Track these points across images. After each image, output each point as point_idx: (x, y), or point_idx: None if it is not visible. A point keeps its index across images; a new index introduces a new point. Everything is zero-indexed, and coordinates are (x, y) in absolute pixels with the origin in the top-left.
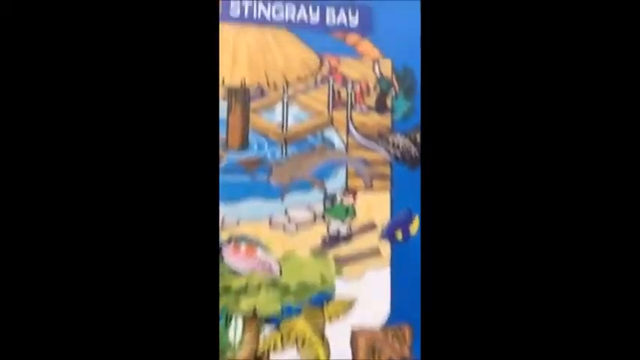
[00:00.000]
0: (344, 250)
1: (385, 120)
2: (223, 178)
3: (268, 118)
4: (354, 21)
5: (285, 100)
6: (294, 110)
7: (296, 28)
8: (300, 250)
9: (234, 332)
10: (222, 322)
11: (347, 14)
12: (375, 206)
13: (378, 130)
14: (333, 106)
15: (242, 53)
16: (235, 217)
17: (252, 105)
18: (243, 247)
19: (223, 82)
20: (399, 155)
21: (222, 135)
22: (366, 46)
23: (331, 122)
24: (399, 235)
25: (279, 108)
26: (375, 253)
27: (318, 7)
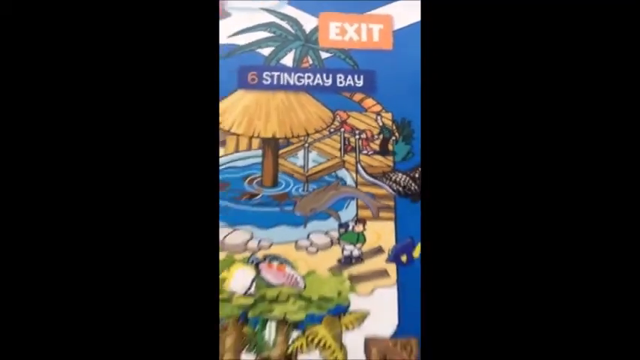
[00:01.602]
0: (356, 269)
1: (388, 161)
2: (259, 209)
3: (293, 162)
4: (360, 82)
5: (306, 147)
6: (313, 155)
7: (313, 90)
8: (320, 268)
9: (268, 334)
10: (258, 326)
11: (353, 78)
12: (382, 233)
13: (382, 170)
14: (345, 151)
15: (272, 112)
16: (269, 240)
17: (281, 152)
18: (275, 264)
19: (259, 135)
20: (400, 190)
21: (258, 175)
22: (370, 102)
23: (343, 164)
24: (404, 259)
25: (301, 154)
26: (384, 273)
27: (330, 74)
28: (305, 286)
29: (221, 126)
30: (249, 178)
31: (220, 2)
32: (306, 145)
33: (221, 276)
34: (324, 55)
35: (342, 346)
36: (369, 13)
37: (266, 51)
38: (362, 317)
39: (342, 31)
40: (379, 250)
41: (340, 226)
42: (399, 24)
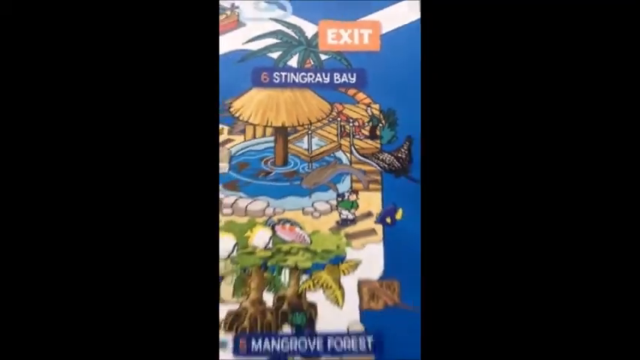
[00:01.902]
0: (351, 229)
1: (376, 144)
2: (273, 184)
3: (299, 146)
4: (353, 79)
5: (310, 134)
6: (315, 140)
7: (314, 87)
8: (323, 228)
9: (283, 278)
10: (275, 272)
11: (347, 76)
12: (371, 201)
13: (371, 151)
14: (341, 136)
15: (282, 106)
16: (282, 208)
17: (289, 138)
18: (287, 225)
19: (271, 124)
20: (386, 167)
21: (271, 157)
22: (361, 96)
23: (340, 147)
24: (388, 221)
25: (305, 139)
26: (372, 232)
27: (328, 73)
28: (311, 242)
29: (241, 117)
30: (264, 159)
31: (235, 14)
32: (310, 132)
33: (245, 235)
34: (323, 57)
35: (340, 287)
36: (360, 19)
37: (275, 55)
38: (355, 265)
39: (338, 36)
40: (369, 214)
41: (338, 195)
42: (385, 28)
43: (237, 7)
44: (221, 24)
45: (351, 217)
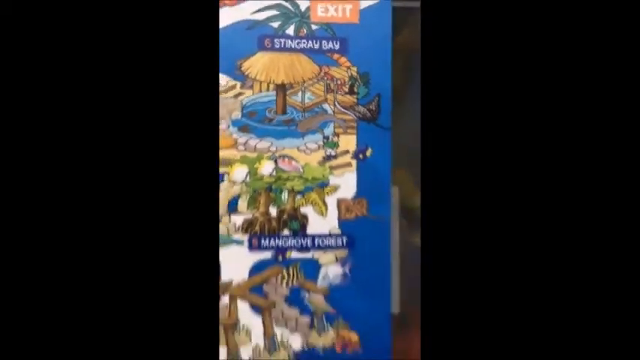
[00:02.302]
0: (333, 163)
1: (353, 98)
2: (275, 128)
3: (295, 99)
4: (337, 46)
5: (303, 90)
6: (307, 94)
7: (307, 52)
8: (312, 162)
9: (284, 197)
10: (277, 193)
11: (333, 43)
12: (348, 142)
13: (349, 104)
14: (326, 92)
15: (281, 67)
16: (282, 146)
17: (288, 93)
18: (286, 159)
19: (273, 81)
20: (361, 117)
21: (274, 107)
22: (343, 60)
23: (326, 100)
24: (361, 156)
25: (300, 94)
26: (349, 165)
27: (318, 40)
28: (303, 171)
29: (249, 75)
30: (268, 109)
31: None
32: (303, 88)
33: (255, 166)
34: (313, 27)
35: (324, 203)
36: None
37: (275, 24)
38: (335, 188)
39: (326, 10)
40: (347, 152)
41: (324, 137)
42: (363, 5)
43: None
44: None
45: (333, 153)
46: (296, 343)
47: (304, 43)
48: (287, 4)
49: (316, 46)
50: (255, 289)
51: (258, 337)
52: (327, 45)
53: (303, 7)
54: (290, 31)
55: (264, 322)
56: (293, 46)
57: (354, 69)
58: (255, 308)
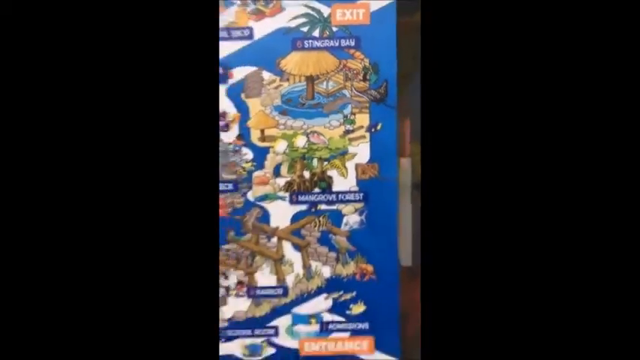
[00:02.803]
0: (351, 135)
1: (366, 84)
2: (306, 110)
3: (321, 87)
4: (352, 43)
5: (327, 80)
6: (330, 83)
7: (330, 49)
8: (335, 135)
9: (314, 163)
10: (309, 160)
11: (349, 41)
12: (363, 119)
13: (363, 89)
14: (345, 80)
15: (310, 62)
16: (312, 124)
17: (315, 82)
18: (315, 134)
19: (304, 74)
20: (372, 99)
21: (305, 94)
22: (358, 54)
23: (345, 87)
24: (373, 130)
25: (324, 83)
26: (364, 137)
27: (337, 39)
28: (328, 143)
29: (286, 70)
30: (300, 96)
31: (279, 2)
32: (327, 78)
33: (292, 140)
34: (334, 29)
35: (345, 168)
36: (357, 2)
37: (305, 28)
38: (353, 156)
39: (343, 15)
40: (361, 127)
41: (344, 116)
42: (373, 8)
43: None
44: (270, 9)
45: (351, 128)
46: (326, 272)
47: (327, 42)
48: (313, 13)
49: (336, 44)
50: (295, 233)
51: (298, 268)
52: (344, 42)
53: (325, 13)
54: (316, 33)
55: (302, 257)
56: (318, 45)
57: (367, 60)
58: (296, 247)
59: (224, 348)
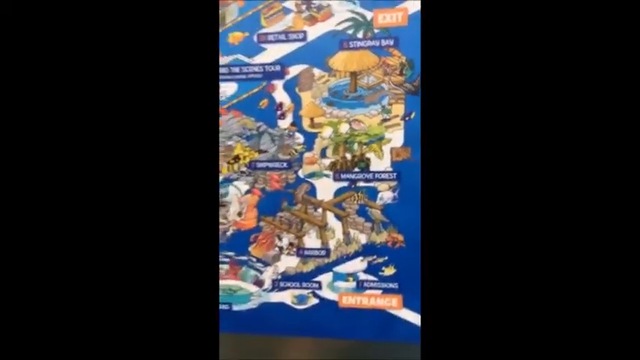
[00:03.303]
0: (388, 123)
1: (402, 78)
2: (350, 102)
3: (362, 81)
4: (391, 42)
5: (368, 75)
6: (371, 78)
7: (371, 49)
8: (373, 123)
9: (355, 147)
10: (351, 144)
11: (388, 40)
12: (398, 109)
13: (399, 82)
14: (384, 75)
15: (354, 60)
16: (354, 113)
17: (358, 77)
18: (356, 122)
19: (348, 70)
20: (407, 91)
21: (349, 88)
22: (396, 52)
23: (383, 81)
24: (407, 119)
25: (366, 77)
26: (398, 124)
27: (378, 40)
28: (367, 130)
29: (334, 68)
30: (345, 89)
31: (330, 8)
32: (368, 74)
33: (337, 126)
34: (375, 30)
35: (382, 151)
36: (396, 7)
37: (350, 31)
38: (389, 141)
39: (384, 18)
40: (397, 116)
41: (382, 106)
42: (410, 11)
43: (329, 5)
44: (322, 15)
45: (387, 117)
46: (362, 239)
47: (369, 42)
48: (358, 17)
49: (377, 44)
50: (337, 205)
51: (339, 234)
52: (384, 42)
53: (368, 17)
54: (360, 35)
55: (342, 225)
56: (362, 45)
57: (403, 57)
58: (337, 217)
59: (277, 296)
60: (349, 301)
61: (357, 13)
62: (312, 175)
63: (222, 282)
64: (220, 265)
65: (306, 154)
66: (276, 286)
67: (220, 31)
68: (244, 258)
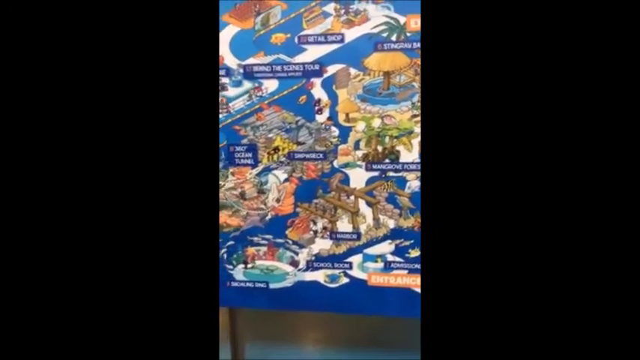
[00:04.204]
0: (417, 119)
1: None
2: (382, 99)
3: (394, 80)
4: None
5: (399, 75)
6: (402, 77)
7: (403, 50)
8: (404, 118)
9: (387, 140)
10: (382, 137)
11: (418, 43)
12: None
13: None
14: (415, 75)
15: (388, 61)
16: (386, 109)
17: (390, 76)
18: (388, 117)
19: (382, 70)
20: None
21: (382, 86)
22: None
23: (414, 80)
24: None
25: (397, 77)
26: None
27: (410, 43)
28: (398, 124)
29: (368, 67)
30: (378, 87)
31: (366, 13)
32: (400, 73)
33: (370, 121)
34: (408, 34)
35: (411, 144)
36: None
37: (385, 34)
38: (417, 135)
39: (416, 22)
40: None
41: (412, 103)
42: None
43: (366, 10)
44: (359, 19)
45: (417, 113)
46: (391, 224)
47: (402, 44)
48: (391, 21)
49: (409, 46)
50: (368, 193)
51: (369, 220)
52: (415, 45)
53: (402, 22)
54: (393, 38)
55: (373, 211)
56: (395, 47)
57: None
58: (368, 203)
59: (311, 276)
60: (377, 280)
61: (392, 18)
62: (346, 165)
63: (260, 262)
64: (259, 247)
65: (341, 146)
66: (310, 266)
67: (264, 32)
68: (281, 240)
